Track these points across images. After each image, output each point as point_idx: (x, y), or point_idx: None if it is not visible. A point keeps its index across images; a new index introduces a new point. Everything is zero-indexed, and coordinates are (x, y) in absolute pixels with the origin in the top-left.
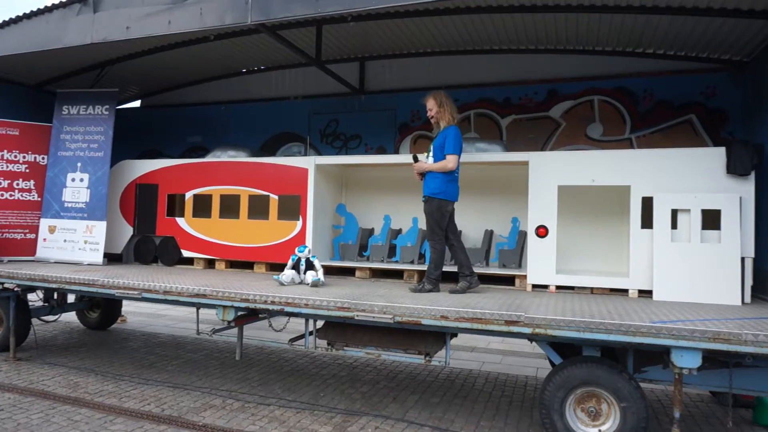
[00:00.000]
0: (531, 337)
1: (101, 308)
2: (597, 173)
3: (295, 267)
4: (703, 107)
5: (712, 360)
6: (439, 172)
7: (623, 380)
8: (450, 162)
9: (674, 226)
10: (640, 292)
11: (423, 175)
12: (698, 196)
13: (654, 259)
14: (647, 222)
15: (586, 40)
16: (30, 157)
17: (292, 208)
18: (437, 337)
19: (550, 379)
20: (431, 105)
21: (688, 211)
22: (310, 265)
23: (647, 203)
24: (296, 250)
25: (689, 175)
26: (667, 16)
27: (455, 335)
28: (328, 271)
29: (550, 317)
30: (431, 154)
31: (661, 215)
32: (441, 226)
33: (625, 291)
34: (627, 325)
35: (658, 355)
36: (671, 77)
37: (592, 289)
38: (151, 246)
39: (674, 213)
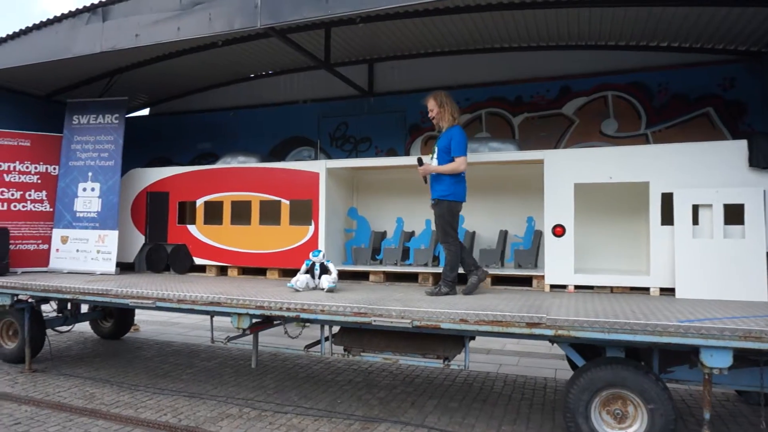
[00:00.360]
0: (553, 339)
1: (114, 317)
2: (614, 170)
3: (310, 272)
4: (721, 100)
5: (742, 359)
6: (446, 174)
7: (650, 381)
8: (461, 164)
9: (696, 221)
10: (662, 290)
11: (425, 178)
12: (720, 191)
13: (676, 256)
14: (667, 218)
15: (598, 35)
16: (41, 168)
17: (303, 213)
18: (456, 340)
19: (573, 381)
20: (432, 106)
21: (710, 206)
22: (324, 270)
23: (667, 199)
24: (311, 254)
25: (710, 169)
26: (683, 8)
27: (473, 338)
28: (341, 275)
29: (573, 318)
30: (435, 155)
31: (682, 211)
32: (453, 227)
33: (646, 289)
34: (653, 325)
35: (685, 355)
36: (687, 70)
37: (611, 288)
38: (163, 254)
39: (695, 208)
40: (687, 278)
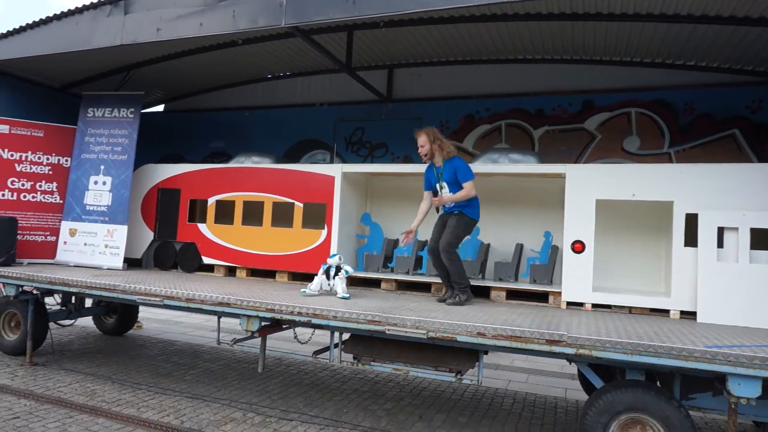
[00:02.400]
0: (572, 358)
1: (118, 313)
2: (638, 187)
3: (326, 274)
4: (748, 122)
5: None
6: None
7: (672, 407)
8: (472, 189)
9: (720, 244)
10: (682, 313)
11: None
12: (747, 214)
13: (698, 279)
14: (691, 240)
15: (625, 50)
16: (53, 159)
17: (317, 217)
18: (470, 354)
19: (592, 402)
20: (423, 141)
21: (736, 229)
22: (338, 272)
23: (691, 220)
24: (328, 258)
25: (737, 192)
26: (715, 26)
27: (486, 352)
28: (353, 281)
29: (595, 337)
30: (446, 189)
31: (706, 233)
32: (460, 240)
33: (666, 311)
34: (679, 349)
35: (708, 382)
36: (714, 90)
37: (630, 308)
38: (171, 251)
39: (721, 231)
40: (709, 302)
